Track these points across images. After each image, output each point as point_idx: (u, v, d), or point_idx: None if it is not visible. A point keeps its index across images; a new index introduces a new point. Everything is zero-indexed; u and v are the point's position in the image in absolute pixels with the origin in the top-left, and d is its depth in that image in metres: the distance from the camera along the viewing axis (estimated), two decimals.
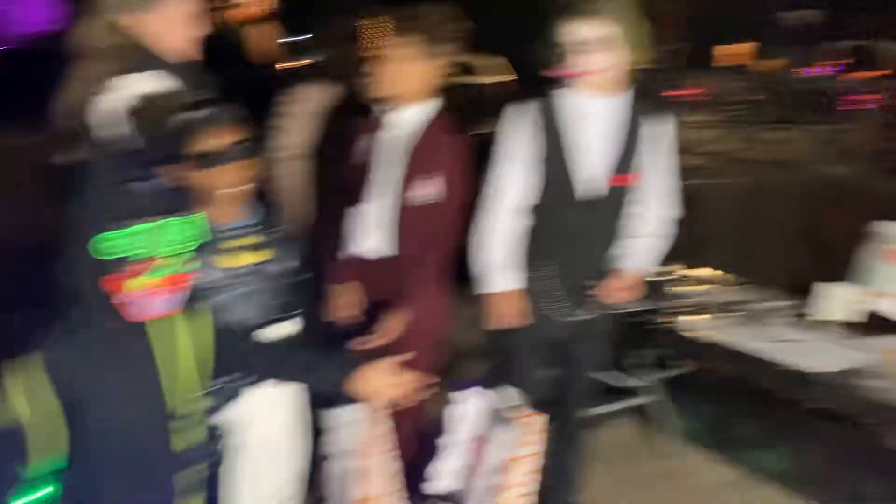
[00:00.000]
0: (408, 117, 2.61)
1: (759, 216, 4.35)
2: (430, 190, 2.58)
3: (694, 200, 3.88)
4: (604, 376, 3.89)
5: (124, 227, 1.58)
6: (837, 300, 3.05)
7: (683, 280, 3.52)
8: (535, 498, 2.45)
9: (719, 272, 3.65)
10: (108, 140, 2.09)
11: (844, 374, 2.61)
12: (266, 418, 2.23)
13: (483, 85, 19.89)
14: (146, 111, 2.06)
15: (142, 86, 2.10)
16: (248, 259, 2.15)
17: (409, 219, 2.59)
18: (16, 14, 24.28)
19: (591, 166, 2.52)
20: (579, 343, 2.70)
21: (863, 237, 3.22)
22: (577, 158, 2.52)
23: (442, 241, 2.61)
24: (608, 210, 2.58)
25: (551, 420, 2.88)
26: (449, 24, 2.60)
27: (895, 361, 2.70)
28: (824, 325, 3.01)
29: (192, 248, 1.67)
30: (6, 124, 11.81)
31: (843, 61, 18.77)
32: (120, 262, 1.60)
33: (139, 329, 1.71)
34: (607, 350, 2.80)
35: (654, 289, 3.25)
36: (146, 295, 1.64)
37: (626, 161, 2.56)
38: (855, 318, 3.01)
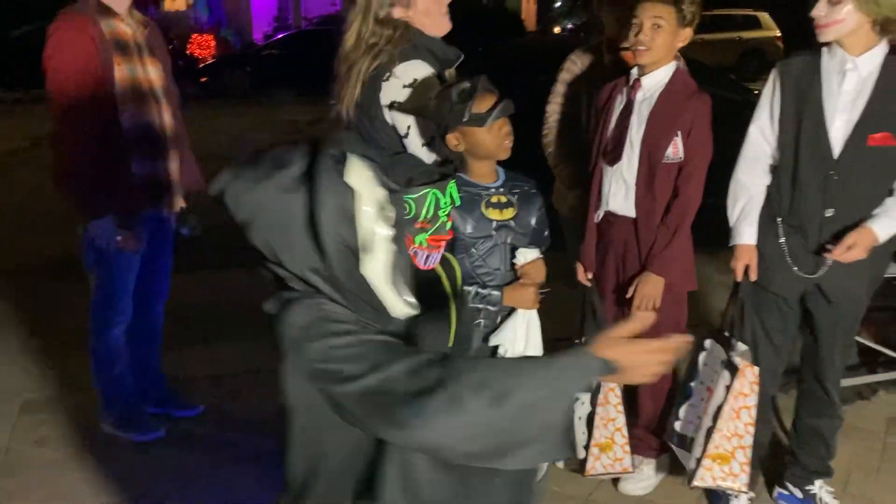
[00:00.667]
0: (655, 80, 2.73)
1: None
2: (673, 150, 2.69)
3: None
4: (869, 344, 3.73)
5: (417, 191, 1.88)
6: None
7: None
8: (749, 450, 2.49)
9: None
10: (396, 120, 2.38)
11: None
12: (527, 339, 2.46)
13: (743, 39, 18.96)
14: (427, 93, 2.33)
15: (420, 71, 2.35)
16: (507, 214, 2.40)
17: (655, 178, 2.72)
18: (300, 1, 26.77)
19: (847, 125, 2.48)
20: (823, 307, 2.64)
21: None
22: (832, 117, 2.49)
23: (684, 199, 2.71)
24: (866, 171, 2.48)
25: (799, 383, 2.86)
26: None
27: None
28: None
29: (449, 211, 1.94)
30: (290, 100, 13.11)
31: None
32: (413, 220, 1.90)
33: (434, 275, 2.00)
34: (856, 316, 2.71)
35: None
36: (432, 247, 1.95)
37: (882, 121, 2.44)
38: None
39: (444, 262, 2.05)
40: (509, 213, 2.38)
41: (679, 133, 2.69)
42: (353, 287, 1.36)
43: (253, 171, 1.33)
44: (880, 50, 2.45)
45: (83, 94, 2.86)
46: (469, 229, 2.32)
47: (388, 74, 2.35)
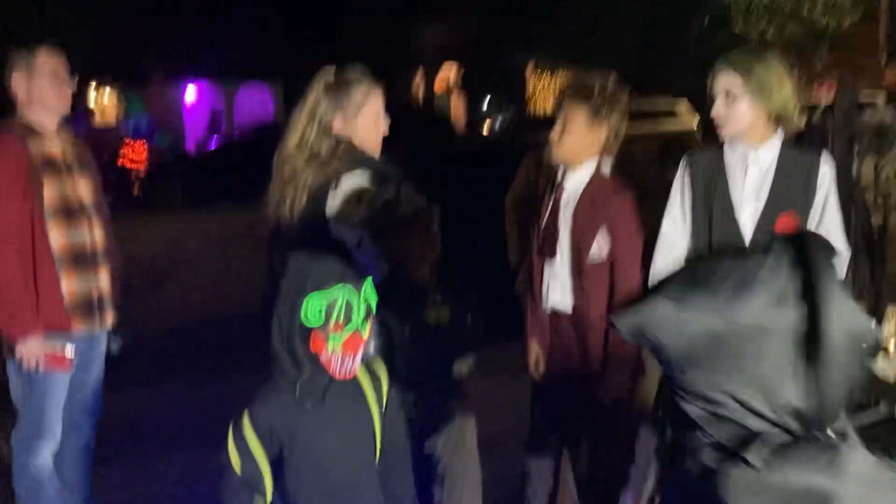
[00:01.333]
0: (577, 178, 2.83)
1: None
2: (597, 249, 2.77)
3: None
4: None
5: (329, 293, 1.86)
6: None
7: (884, 320, 3.38)
8: None
9: None
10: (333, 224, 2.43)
11: None
12: None
13: (667, 132, 19.79)
14: (366, 202, 2.39)
15: (362, 183, 2.45)
16: (443, 314, 2.43)
17: (585, 275, 2.79)
18: (233, 111, 27.09)
19: (755, 214, 2.61)
20: None
21: None
22: (740, 207, 2.62)
23: (619, 300, 2.77)
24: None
25: None
26: (614, 91, 2.80)
27: None
28: None
29: (368, 312, 1.93)
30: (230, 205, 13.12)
31: None
32: (324, 324, 1.88)
33: (352, 382, 1.99)
34: None
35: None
36: (348, 351, 1.91)
37: (786, 208, 2.59)
38: None
39: (368, 370, 2.04)
40: (446, 312, 2.42)
41: (602, 232, 2.77)
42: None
43: (705, 293, 1.17)
44: (776, 142, 2.62)
45: (7, 214, 2.84)
46: (408, 332, 2.35)
47: (331, 187, 2.41)
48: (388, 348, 2.35)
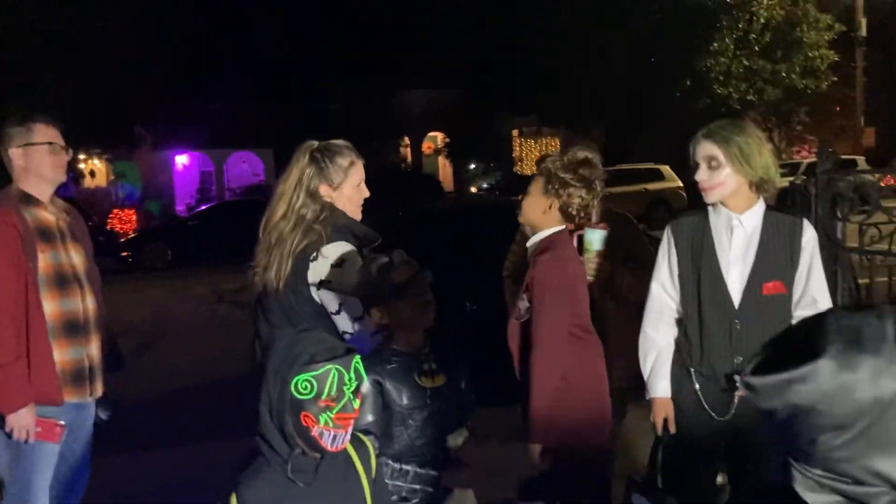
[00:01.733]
0: (534, 242, 2.93)
1: None
2: (520, 306, 2.88)
3: (878, 298, 3.78)
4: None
5: (315, 370, 1.87)
6: None
7: None
8: None
9: None
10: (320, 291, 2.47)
11: None
12: None
13: (653, 190, 20.14)
14: (351, 272, 2.44)
15: (345, 251, 2.54)
16: (439, 380, 2.43)
17: (511, 334, 2.90)
18: (222, 173, 27.33)
19: (742, 276, 2.68)
20: (745, 444, 2.71)
21: None
22: (727, 270, 2.69)
23: (530, 362, 2.75)
24: (764, 318, 2.65)
25: None
26: (574, 167, 2.85)
27: None
28: None
29: (358, 385, 1.93)
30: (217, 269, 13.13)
31: None
32: (315, 399, 1.89)
33: (343, 456, 1.98)
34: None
35: None
36: (339, 426, 1.92)
37: (770, 271, 2.67)
38: None
39: (356, 441, 2.04)
40: (440, 379, 2.42)
41: (526, 292, 2.84)
42: None
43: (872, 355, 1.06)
44: (759, 207, 2.70)
45: (2, 283, 2.84)
46: (405, 400, 2.34)
47: (315, 254, 2.48)
48: (384, 417, 2.35)
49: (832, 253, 3.93)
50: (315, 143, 2.73)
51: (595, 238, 3.20)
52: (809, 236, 2.70)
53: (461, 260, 3.62)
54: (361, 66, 24.46)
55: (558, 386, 2.70)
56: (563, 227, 2.89)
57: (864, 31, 24.01)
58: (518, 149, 32.10)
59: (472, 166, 29.37)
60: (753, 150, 2.63)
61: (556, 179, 2.82)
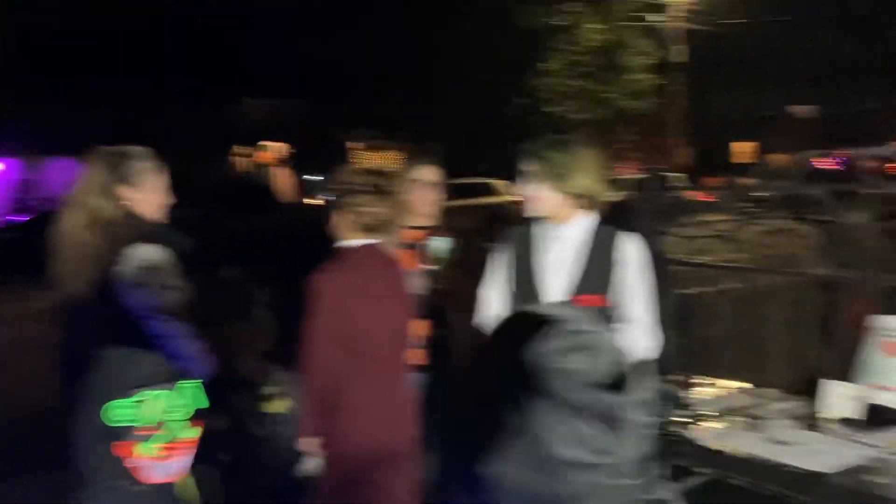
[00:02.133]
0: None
1: (764, 318, 4.42)
2: None
3: (698, 307, 3.97)
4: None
5: (132, 396, 1.72)
6: (841, 397, 3.09)
7: (692, 388, 3.57)
8: None
9: (726, 379, 3.69)
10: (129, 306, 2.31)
11: (852, 472, 2.63)
12: None
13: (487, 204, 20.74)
14: (156, 276, 2.29)
15: (151, 254, 2.38)
16: (278, 406, 2.32)
17: None
18: (41, 182, 25.58)
19: (556, 287, 2.76)
20: None
21: (863, 332, 3.29)
22: (541, 280, 2.79)
23: None
24: None
25: None
26: (364, 176, 2.92)
27: None
28: (831, 423, 3.04)
29: (191, 414, 1.80)
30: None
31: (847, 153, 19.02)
32: (128, 429, 1.73)
33: (166, 489, 1.83)
34: None
35: (668, 398, 3.31)
36: (157, 459, 1.76)
37: (589, 283, 2.75)
38: (858, 413, 3.04)
39: (191, 472, 1.90)
40: (281, 404, 2.31)
41: None
42: None
43: None
44: (584, 221, 2.80)
45: None
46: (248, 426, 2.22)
47: (120, 257, 2.35)
48: (223, 446, 2.21)
49: (661, 266, 4.12)
50: (109, 149, 2.70)
51: (440, 247, 3.23)
52: (629, 250, 2.79)
53: (287, 272, 3.50)
54: (193, 74, 23.68)
55: (316, 392, 2.62)
56: (365, 241, 2.84)
57: (685, 57, 25.72)
58: (361, 161, 32.10)
59: (312, 178, 28.99)
60: (573, 167, 2.74)
61: (346, 188, 2.84)
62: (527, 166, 2.79)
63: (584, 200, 2.78)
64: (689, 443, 3.01)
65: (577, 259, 2.77)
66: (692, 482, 3.46)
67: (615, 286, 2.77)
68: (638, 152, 27.25)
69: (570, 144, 2.85)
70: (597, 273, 2.76)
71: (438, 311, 3.10)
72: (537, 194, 2.76)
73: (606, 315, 2.76)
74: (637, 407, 1.17)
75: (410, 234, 3.26)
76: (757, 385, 3.60)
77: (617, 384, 1.12)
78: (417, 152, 3.58)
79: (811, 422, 3.08)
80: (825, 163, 19.35)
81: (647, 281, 2.83)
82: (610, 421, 1.10)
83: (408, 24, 22.60)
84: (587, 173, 2.78)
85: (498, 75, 23.48)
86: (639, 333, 2.77)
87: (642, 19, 25.44)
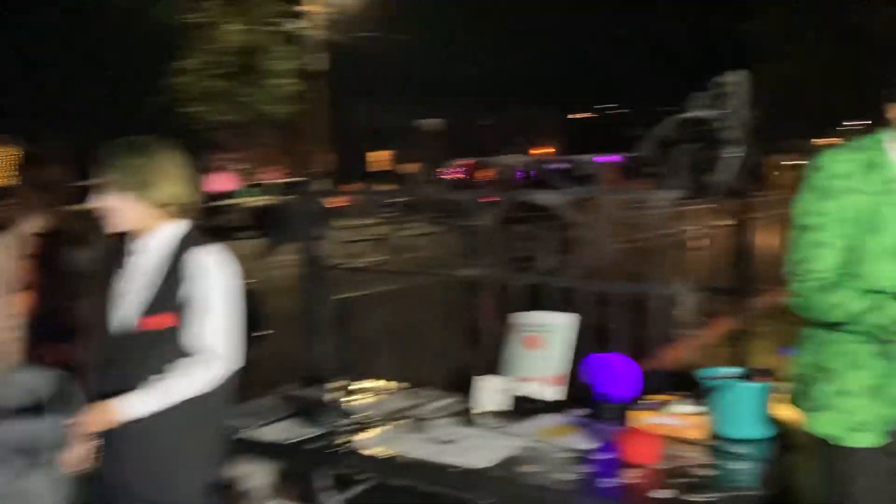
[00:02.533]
0: None
1: (413, 319, 4.56)
2: None
3: (350, 312, 3.94)
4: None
5: None
6: (491, 391, 3.24)
7: (353, 395, 3.52)
8: None
9: (384, 381, 3.71)
10: None
11: (507, 463, 2.73)
12: None
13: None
14: None
15: None
16: None
17: None
18: None
19: (127, 306, 2.55)
20: None
21: (505, 328, 3.49)
22: (122, 298, 2.56)
23: None
24: (136, 350, 2.51)
25: None
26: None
27: (550, 440, 2.89)
28: (484, 417, 3.16)
29: None
30: None
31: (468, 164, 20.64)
32: None
33: None
34: None
35: (326, 410, 3.23)
36: None
37: (158, 302, 2.52)
38: (507, 405, 3.21)
39: None
40: None
41: None
42: None
43: None
44: (168, 230, 2.58)
45: None
46: None
47: None
48: None
49: (313, 270, 4.05)
50: None
51: None
52: (196, 264, 2.52)
53: None
54: None
55: None
56: None
57: (325, 66, 26.09)
58: None
59: None
60: (157, 172, 2.51)
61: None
62: (104, 176, 2.51)
63: (172, 208, 2.54)
64: (354, 452, 2.95)
65: (154, 275, 2.53)
66: (356, 490, 3.42)
67: (189, 306, 2.50)
68: (282, 157, 27.26)
69: (151, 148, 2.56)
70: (170, 291, 2.50)
71: None
72: (118, 205, 2.50)
73: (174, 336, 2.51)
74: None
75: None
76: (415, 385, 3.66)
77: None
78: (39, 151, 3.18)
79: (468, 417, 3.19)
80: (450, 172, 20.97)
81: (224, 293, 2.55)
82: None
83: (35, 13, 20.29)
84: (174, 182, 2.54)
85: (134, 73, 22.05)
86: (209, 355, 2.50)
87: (280, 25, 25.40)
